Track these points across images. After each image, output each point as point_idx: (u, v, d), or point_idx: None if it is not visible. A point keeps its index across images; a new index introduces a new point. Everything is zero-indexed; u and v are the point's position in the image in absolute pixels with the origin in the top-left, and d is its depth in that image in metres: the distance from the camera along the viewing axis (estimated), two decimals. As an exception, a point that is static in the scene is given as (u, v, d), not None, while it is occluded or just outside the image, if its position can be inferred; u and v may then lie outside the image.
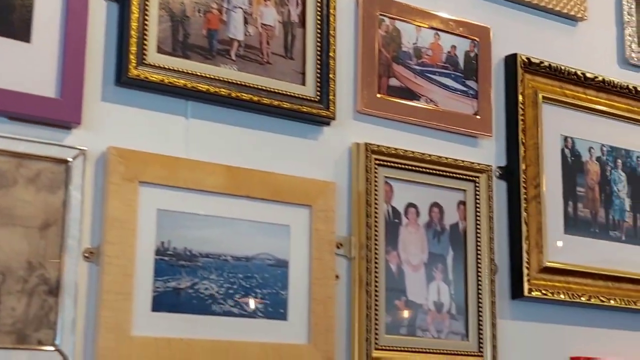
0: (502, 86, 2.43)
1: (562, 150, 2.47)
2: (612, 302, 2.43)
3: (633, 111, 2.62)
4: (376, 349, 2.04)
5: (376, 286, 2.06)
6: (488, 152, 2.36)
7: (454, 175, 2.25)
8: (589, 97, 2.55)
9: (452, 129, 2.28)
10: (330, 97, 2.07)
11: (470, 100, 2.33)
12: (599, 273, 2.44)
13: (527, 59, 2.42)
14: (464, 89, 2.33)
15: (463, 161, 2.26)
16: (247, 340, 1.88)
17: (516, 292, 2.30)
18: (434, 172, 2.22)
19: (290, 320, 1.95)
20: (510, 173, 2.36)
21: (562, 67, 2.48)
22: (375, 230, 2.09)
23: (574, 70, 2.50)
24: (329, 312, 2.00)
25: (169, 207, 1.85)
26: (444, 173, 2.24)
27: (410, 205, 2.18)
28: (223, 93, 1.93)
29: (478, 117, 2.33)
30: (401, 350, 2.08)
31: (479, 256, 2.24)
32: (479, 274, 2.23)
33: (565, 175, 2.46)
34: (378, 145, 2.13)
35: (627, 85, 2.60)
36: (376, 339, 2.04)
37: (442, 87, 2.29)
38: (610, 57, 2.66)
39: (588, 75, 2.53)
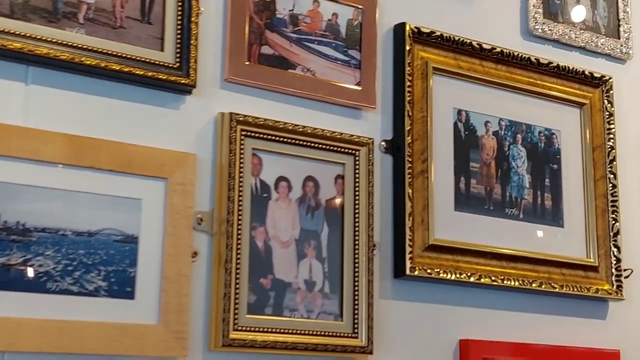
0: (391, 57, 2.28)
1: (455, 124, 2.33)
2: (506, 282, 2.29)
3: (536, 84, 2.48)
4: (235, 329, 1.90)
5: (238, 263, 1.92)
6: (372, 125, 2.21)
7: (331, 148, 2.10)
8: (486, 69, 2.40)
9: (332, 100, 2.13)
10: (191, 64, 1.92)
11: (352, 70, 2.18)
12: (492, 252, 2.30)
13: (417, 28, 2.27)
14: (346, 58, 2.18)
15: (341, 133, 2.11)
16: (86, 320, 1.73)
17: (398, 270, 2.16)
18: (309, 144, 2.07)
19: (138, 299, 1.80)
20: (396, 147, 2.22)
21: (456, 38, 2.33)
22: (240, 205, 1.94)
23: (468, 41, 2.35)
24: (183, 290, 1.85)
25: (1, 178, 1.70)
26: (320, 146, 2.09)
27: (282, 178, 2.04)
28: (64, 57, 1.78)
29: (360, 88, 2.18)
30: (265, 331, 1.94)
31: (356, 233, 2.09)
32: (356, 251, 2.08)
33: (457, 150, 2.32)
34: (244, 116, 1.98)
35: (529, 57, 2.45)
36: (236, 319, 1.90)
37: (321, 56, 2.14)
38: (512, 27, 2.51)
39: (485, 46, 2.38)
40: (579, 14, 2.60)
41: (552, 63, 2.49)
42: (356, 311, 2.06)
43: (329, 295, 2.05)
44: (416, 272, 2.15)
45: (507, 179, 2.38)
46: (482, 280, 2.25)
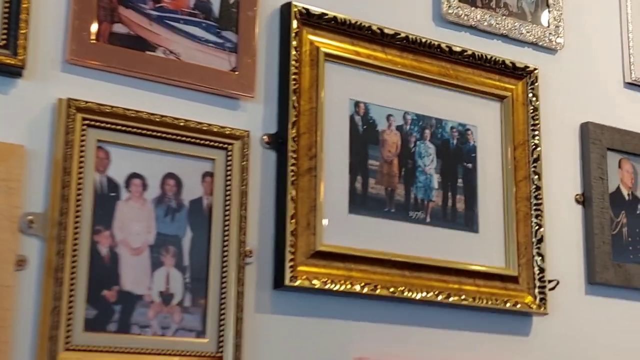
0: (277, 41, 1.99)
1: (352, 117, 2.03)
2: (407, 293, 1.99)
3: (448, 74, 2.18)
4: (67, 349, 1.60)
5: (73, 272, 1.62)
6: (252, 116, 1.92)
7: (198, 141, 1.81)
8: (389, 57, 2.10)
9: (200, 87, 1.84)
10: (20, 42, 1.63)
11: (226, 54, 1.88)
12: (392, 259, 1.99)
13: (305, 9, 1.98)
14: (219, 41, 1.88)
15: (209, 125, 1.82)
16: None
17: (278, 280, 1.86)
18: (170, 137, 1.78)
19: (-56, 313, 1.51)
20: (281, 142, 1.93)
21: (352, 21, 2.04)
22: (78, 205, 1.65)
23: (367, 25, 2.06)
24: (4, 303, 1.55)
25: None
26: (184, 139, 1.80)
27: (135, 175, 1.74)
28: None
29: (236, 73, 1.89)
30: (106, 351, 1.64)
31: (226, 238, 1.80)
32: (225, 259, 1.79)
33: (353, 146, 2.02)
34: (86, 102, 1.69)
35: (439, 45, 2.16)
36: (68, 337, 1.60)
37: (187, 37, 1.85)
38: (423, 12, 2.21)
39: (387, 31, 2.09)
40: (500, -2, 2.32)
41: (466, 51, 2.19)
42: (222, 327, 1.76)
43: (189, 309, 1.75)
44: (297, 283, 1.85)
45: (412, 179, 2.09)
46: (379, 291, 1.95)
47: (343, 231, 1.95)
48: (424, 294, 2.00)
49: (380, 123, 2.07)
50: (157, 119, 1.75)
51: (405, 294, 1.98)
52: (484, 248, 2.14)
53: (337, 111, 2.00)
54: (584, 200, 2.35)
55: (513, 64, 2.26)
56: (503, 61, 2.24)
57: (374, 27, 2.06)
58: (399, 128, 2.09)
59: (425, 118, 2.13)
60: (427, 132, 2.13)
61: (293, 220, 1.87)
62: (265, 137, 1.92)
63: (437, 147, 2.13)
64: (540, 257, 2.18)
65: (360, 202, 2.00)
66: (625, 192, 2.42)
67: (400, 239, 2.03)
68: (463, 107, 2.19)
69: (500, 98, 2.25)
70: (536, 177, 2.23)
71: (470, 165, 2.18)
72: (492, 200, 2.18)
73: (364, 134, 2.04)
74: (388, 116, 2.08)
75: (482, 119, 2.22)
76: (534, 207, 2.21)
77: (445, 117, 2.16)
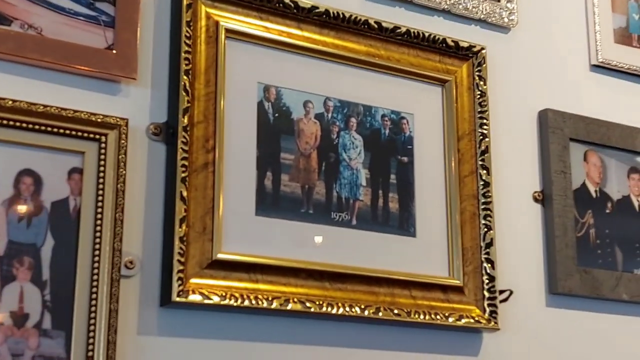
0: (168, 15, 1.69)
1: (260, 104, 1.73)
2: (328, 308, 1.67)
3: (378, 55, 1.87)
4: None
5: None
6: (135, 102, 1.61)
7: (63, 132, 1.51)
8: (307, 35, 1.80)
9: (66, 67, 1.54)
10: None
11: (101, 29, 1.58)
12: (309, 268, 1.68)
13: (201, -24, 1.68)
14: (92, 13, 1.58)
15: (76, 111, 1.52)
16: None
17: (164, 296, 1.56)
18: (26, 126, 1.48)
19: None
20: (172, 132, 1.62)
21: (259, -8, 1.74)
22: None
23: (279, -4, 1.76)
24: None
25: None
26: (45, 128, 1.49)
27: (-21, 172, 1.44)
28: None
29: (114, 52, 1.58)
30: None
31: (97, 246, 1.49)
32: (95, 271, 1.48)
33: (262, 137, 1.71)
34: None
35: (367, 21, 1.85)
36: None
37: (51, 8, 1.55)
38: (349, -16, 1.92)
39: (303, 4, 1.79)
40: (440, -31, 2.01)
41: (399, 29, 1.89)
42: (91, 353, 1.45)
43: (49, 332, 1.44)
44: (189, 298, 1.55)
45: (335, 175, 1.78)
46: (291, 306, 1.64)
47: (248, 236, 1.65)
48: (348, 308, 1.69)
49: (295, 110, 1.76)
50: (9, 105, 1.45)
51: (325, 309, 1.67)
52: (422, 254, 1.83)
53: (242, 97, 1.70)
54: (543, 198, 2.03)
55: (456, 42, 1.95)
56: (444, 40, 1.94)
57: (287, 0, 1.76)
58: (318, 116, 1.78)
59: (351, 105, 1.82)
60: (353, 121, 1.82)
61: (183, 224, 1.56)
62: (152, 126, 1.61)
63: (365, 138, 1.83)
64: (489, 264, 1.87)
65: (270, 202, 1.69)
66: (592, 188, 2.10)
67: (319, 245, 1.72)
68: (397, 93, 1.89)
69: (442, 82, 1.94)
70: (484, 171, 1.92)
71: (405, 158, 1.87)
72: (432, 199, 1.87)
73: (275, 123, 1.73)
74: (305, 102, 1.78)
75: (419, 106, 1.91)
76: (482, 206, 1.90)
77: (376, 103, 1.85)
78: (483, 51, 1.98)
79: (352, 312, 1.69)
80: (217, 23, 1.69)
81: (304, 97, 1.77)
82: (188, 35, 1.64)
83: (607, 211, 2.11)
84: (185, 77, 1.62)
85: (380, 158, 1.83)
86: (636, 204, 2.15)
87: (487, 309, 1.84)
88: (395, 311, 1.74)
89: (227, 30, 1.70)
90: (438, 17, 2.00)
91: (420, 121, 1.90)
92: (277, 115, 1.74)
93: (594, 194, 2.10)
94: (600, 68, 2.20)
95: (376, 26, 1.86)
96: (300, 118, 1.76)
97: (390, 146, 1.85)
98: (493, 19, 2.06)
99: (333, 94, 1.80)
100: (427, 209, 1.85)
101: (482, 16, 2.04)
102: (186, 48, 1.63)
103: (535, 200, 2.03)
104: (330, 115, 1.79)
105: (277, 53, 1.76)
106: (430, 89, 1.93)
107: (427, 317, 1.77)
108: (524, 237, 1.99)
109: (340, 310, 1.68)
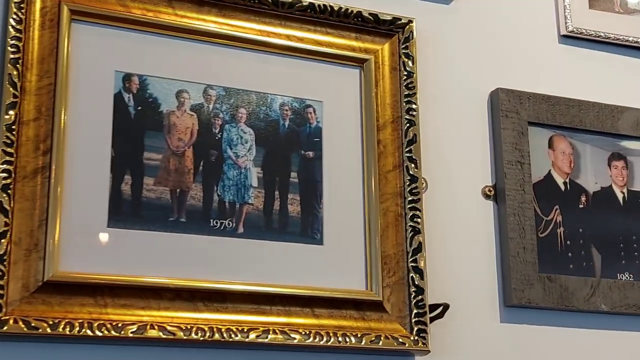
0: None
1: (118, 96, 1.44)
2: (199, 334, 1.37)
3: (275, 34, 1.56)
4: None
5: None
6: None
7: None
8: (180, 13, 1.51)
9: None
10: None
11: None
12: (176, 287, 1.38)
13: (33, -48, 1.41)
14: None
15: None
16: None
17: (-22, 327, 1.28)
18: None
19: None
20: None
21: (112, -34, 1.46)
22: None
23: (136, -30, 1.48)
24: None
25: None
26: None
27: None
28: None
29: None
30: None
31: None
32: None
33: (119, 134, 1.42)
34: None
35: (257, -5, 1.56)
36: None
37: None
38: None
39: (171, -22, 1.50)
40: None
41: (299, 2, 1.58)
42: None
43: None
44: (8, 328, 1.26)
45: (217, 176, 1.47)
46: (149, 332, 1.34)
47: (96, 252, 1.36)
48: (228, 333, 1.38)
49: (165, 102, 1.47)
50: None
51: (196, 334, 1.36)
52: (331, 264, 1.51)
53: (93, 88, 1.42)
54: (495, 193, 1.68)
55: (375, 16, 1.63)
56: (359, 13, 1.62)
57: (150, -26, 1.48)
58: (196, 108, 1.49)
59: (240, 93, 1.52)
60: (243, 112, 1.52)
61: (3, 240, 1.29)
62: (-26, 127, 1.35)
63: (258, 131, 1.52)
64: (417, 274, 1.53)
65: (128, 211, 1.40)
66: (559, 179, 1.74)
67: (194, 259, 1.41)
68: (301, 78, 1.58)
69: (359, 62, 1.62)
70: (412, 165, 1.58)
71: (311, 153, 1.55)
72: (345, 199, 1.55)
73: (137, 118, 1.44)
74: (179, 92, 1.48)
75: (331, 92, 1.59)
76: (409, 206, 1.56)
77: (273, 91, 1.55)
78: (410, 25, 1.65)
79: (233, 338, 1.38)
80: (59, 3, 1.41)
81: (177, 86, 1.48)
82: (18, 18, 1.37)
83: (581, 206, 1.74)
84: (11, 67, 1.35)
85: (277, 154, 1.52)
86: (620, 196, 1.78)
87: (414, 328, 1.51)
88: (292, 334, 1.42)
89: (73, 12, 1.42)
90: (359, -12, 1.67)
91: (331, 109, 1.58)
92: (140, 108, 1.45)
93: (562, 187, 1.74)
94: (572, 39, 1.84)
95: (271, 1, 1.55)
96: (172, 111, 1.47)
97: (291, 139, 1.54)
98: (429, -12, 1.73)
99: (216, 81, 1.51)
100: (338, 211, 1.53)
101: (415, -15, 1.71)
102: (14, 33, 1.36)
103: (486, 196, 1.68)
104: (211, 106, 1.50)
105: (140, 36, 1.47)
106: (345, 71, 1.61)
107: (332, 339, 1.44)
108: (472, 240, 1.64)
109: (216, 336, 1.37)
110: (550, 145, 1.75)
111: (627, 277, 1.72)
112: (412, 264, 1.53)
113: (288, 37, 1.57)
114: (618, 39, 1.86)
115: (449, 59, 1.72)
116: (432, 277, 1.56)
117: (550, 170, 1.73)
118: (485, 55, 1.75)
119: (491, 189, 1.68)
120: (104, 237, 1.37)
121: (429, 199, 1.61)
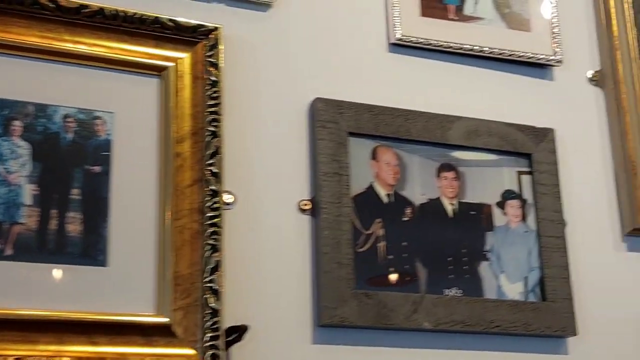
0: None
1: None
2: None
3: (60, 39, 1.40)
4: None
5: None
6: None
7: None
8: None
9: None
10: None
11: None
12: None
13: None
14: None
15: None
16: None
17: None
18: None
19: None
20: None
21: None
22: None
23: None
24: None
25: None
26: None
27: None
28: None
29: None
30: None
31: None
32: None
33: None
34: None
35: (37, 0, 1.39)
36: None
37: None
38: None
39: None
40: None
41: (86, 8, 1.42)
42: None
43: None
44: None
45: (-19, 193, 1.31)
46: None
47: None
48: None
49: None
50: None
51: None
52: (116, 287, 1.34)
53: None
54: (313, 207, 1.53)
55: (176, 23, 1.47)
56: (157, 20, 1.46)
57: None
58: (-39, 121, 1.32)
59: (14, 104, 1.36)
60: (17, 124, 1.35)
61: None
62: None
63: (34, 145, 1.35)
64: (213, 295, 1.37)
65: None
66: (382, 192, 1.59)
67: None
68: (88, 87, 1.42)
69: (157, 71, 1.46)
70: (214, 179, 1.42)
71: (97, 168, 1.38)
72: (136, 217, 1.38)
73: None
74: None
75: (124, 102, 1.43)
76: (209, 222, 1.40)
77: (55, 102, 1.39)
78: (216, 32, 1.50)
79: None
80: None
81: None
82: None
83: (405, 219, 1.59)
84: None
85: (57, 169, 1.36)
86: (449, 208, 1.63)
87: (207, 352, 1.34)
88: (62, 364, 1.25)
89: None
90: (152, -8, 1.52)
91: (124, 121, 1.42)
92: None
93: (385, 199, 1.58)
94: (401, 47, 1.69)
95: (53, 6, 1.39)
96: None
97: (73, 153, 1.38)
98: (241, -6, 1.58)
99: (-16, 89, 1.34)
100: (127, 230, 1.37)
101: (223, -9, 1.56)
102: None
103: (302, 210, 1.52)
104: (-18, 118, 1.33)
105: None
106: (142, 80, 1.46)
107: (110, 370, 1.27)
108: (284, 257, 1.49)
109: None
110: (374, 156, 1.60)
111: (454, 293, 1.57)
112: (209, 284, 1.37)
113: (75, 44, 1.41)
114: (450, 47, 1.71)
115: (265, 68, 1.57)
116: (238, 298, 1.40)
117: (372, 182, 1.58)
118: (307, 65, 1.60)
119: (307, 202, 1.53)
120: None
121: (237, 214, 1.45)
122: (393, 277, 1.53)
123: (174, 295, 1.35)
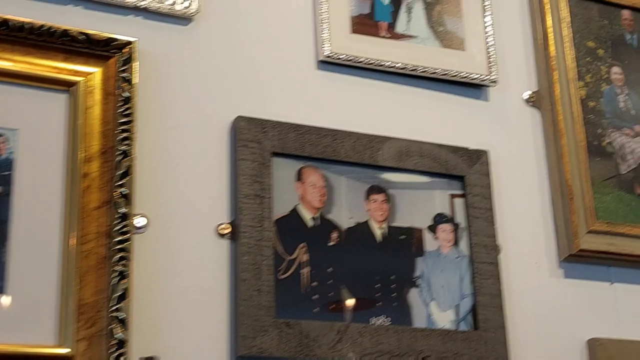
0: None
1: None
2: None
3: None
4: None
5: None
6: None
7: None
8: None
9: None
10: None
11: None
12: None
13: None
14: None
15: None
16: None
17: None
18: None
19: None
20: None
21: None
22: None
23: None
24: None
25: None
26: None
27: None
28: None
29: None
30: None
31: None
32: None
33: None
34: None
35: None
36: None
37: None
38: None
39: None
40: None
41: (-12, 18, 1.33)
42: None
43: None
44: None
45: None
46: None
47: None
48: None
49: None
50: None
51: None
52: (16, 316, 1.25)
53: None
54: (232, 231, 1.44)
55: (87, 36, 1.38)
56: (65, 32, 1.37)
57: None
58: None
59: None
60: None
61: None
62: None
63: None
64: (120, 324, 1.27)
65: None
66: (307, 215, 1.51)
67: None
68: (-11, 102, 1.32)
69: (66, 86, 1.37)
70: (124, 200, 1.33)
71: (-3, 189, 1.29)
72: (39, 241, 1.28)
73: None
74: None
75: (29, 119, 1.34)
76: (117, 247, 1.31)
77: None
78: (130, 46, 1.41)
79: None
80: None
81: None
82: None
83: (332, 243, 1.51)
84: None
85: (-49, 189, 1.26)
86: (378, 232, 1.55)
87: (113, 387, 1.24)
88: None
89: None
90: (70, 5, 1.43)
91: (28, 138, 1.33)
92: None
93: (310, 222, 1.50)
94: (330, 64, 1.62)
95: None
96: None
97: (-29, 173, 1.28)
98: (160, 7, 1.49)
99: None
100: (28, 255, 1.27)
101: (143, 4, 1.47)
102: None
103: (220, 235, 1.43)
104: None
105: None
106: (49, 95, 1.37)
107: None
108: (199, 284, 1.39)
109: None
110: (300, 177, 1.52)
111: (382, 321, 1.49)
112: (115, 313, 1.27)
113: None
114: (382, 65, 1.64)
115: (184, 84, 1.48)
116: (147, 327, 1.31)
117: (297, 205, 1.50)
118: (229, 81, 1.52)
119: (227, 226, 1.44)
120: None
121: (149, 239, 1.36)
122: (317, 304, 1.45)
123: (77, 324, 1.25)
